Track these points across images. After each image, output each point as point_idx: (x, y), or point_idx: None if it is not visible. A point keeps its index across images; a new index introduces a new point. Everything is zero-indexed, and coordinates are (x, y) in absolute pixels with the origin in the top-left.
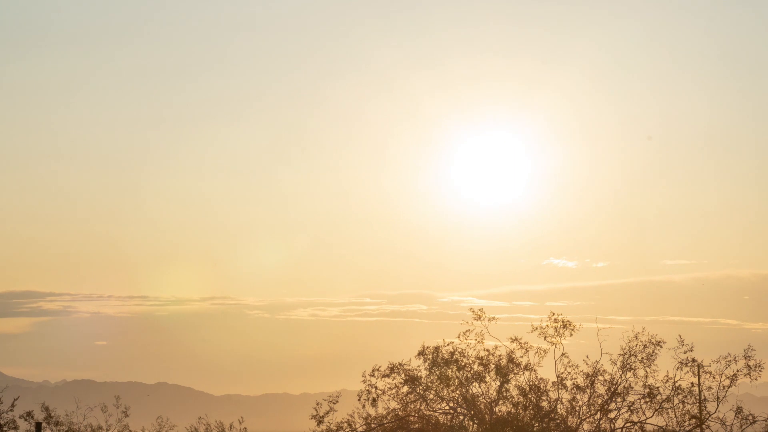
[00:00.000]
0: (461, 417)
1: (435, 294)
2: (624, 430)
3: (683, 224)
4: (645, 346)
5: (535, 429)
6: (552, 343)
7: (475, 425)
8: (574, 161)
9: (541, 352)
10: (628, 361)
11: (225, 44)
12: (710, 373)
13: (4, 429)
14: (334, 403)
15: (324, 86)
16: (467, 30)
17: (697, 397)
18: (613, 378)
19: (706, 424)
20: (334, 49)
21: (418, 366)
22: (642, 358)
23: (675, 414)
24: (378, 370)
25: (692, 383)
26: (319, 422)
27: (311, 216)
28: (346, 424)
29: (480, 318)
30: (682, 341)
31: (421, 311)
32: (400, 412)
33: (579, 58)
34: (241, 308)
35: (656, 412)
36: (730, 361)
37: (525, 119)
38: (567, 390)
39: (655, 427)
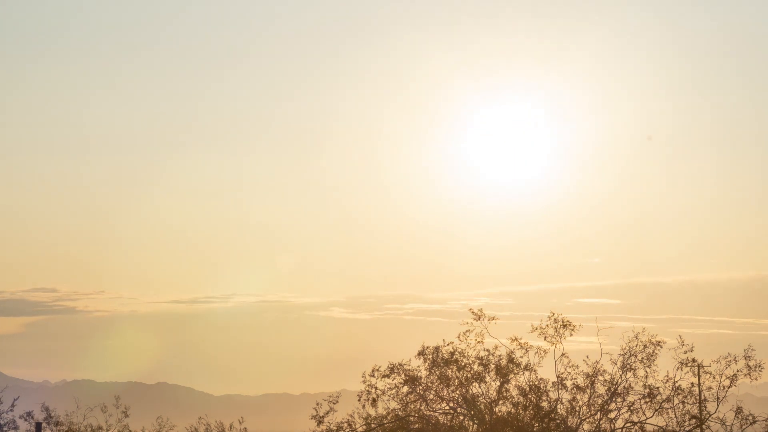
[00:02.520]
0: (461, 417)
1: (452, 293)
2: (624, 430)
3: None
4: (645, 346)
5: (535, 429)
6: (552, 343)
7: (475, 425)
8: (602, 135)
9: (541, 352)
10: (628, 361)
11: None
12: (710, 374)
13: (4, 429)
14: (334, 403)
15: (308, 46)
16: None
17: (697, 398)
18: (613, 378)
19: (706, 424)
20: (315, 5)
21: (418, 366)
22: (642, 358)
23: (675, 414)
24: (378, 370)
25: (692, 383)
26: (319, 422)
27: (310, 214)
28: (346, 425)
29: (480, 318)
30: (683, 341)
31: (434, 310)
32: (400, 413)
33: (610, 14)
34: (249, 308)
35: (656, 413)
36: (730, 361)
37: (547, 86)
38: (567, 390)
39: (655, 428)
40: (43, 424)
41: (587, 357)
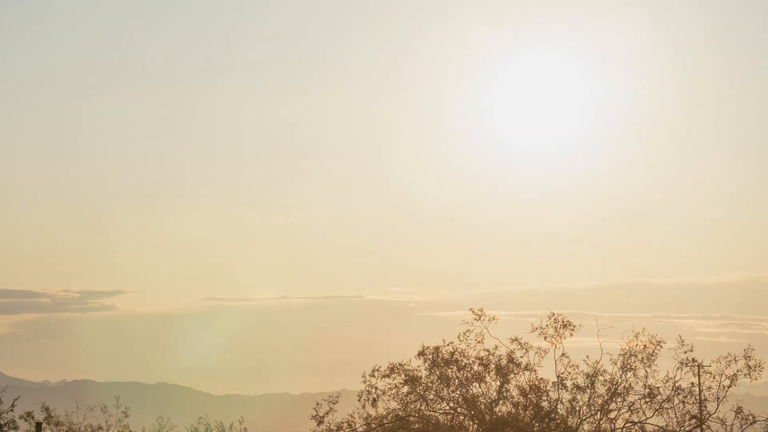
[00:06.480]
0: (461, 417)
1: (467, 292)
2: (624, 430)
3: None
4: (645, 346)
5: (535, 429)
6: (552, 343)
7: (475, 425)
8: (650, 91)
9: (541, 352)
10: (629, 361)
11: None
12: (710, 373)
13: (4, 429)
14: (334, 403)
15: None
16: None
17: (698, 397)
18: (614, 378)
19: (706, 424)
20: None
21: (418, 366)
22: (642, 358)
23: (675, 414)
24: (378, 370)
25: (692, 383)
26: (319, 422)
27: (309, 210)
28: (346, 425)
29: (480, 318)
30: (683, 341)
31: (438, 309)
32: (400, 413)
33: None
34: (249, 308)
35: (656, 412)
36: (730, 361)
37: (585, 37)
38: (567, 390)
39: (656, 427)
40: (43, 424)
41: (587, 357)
